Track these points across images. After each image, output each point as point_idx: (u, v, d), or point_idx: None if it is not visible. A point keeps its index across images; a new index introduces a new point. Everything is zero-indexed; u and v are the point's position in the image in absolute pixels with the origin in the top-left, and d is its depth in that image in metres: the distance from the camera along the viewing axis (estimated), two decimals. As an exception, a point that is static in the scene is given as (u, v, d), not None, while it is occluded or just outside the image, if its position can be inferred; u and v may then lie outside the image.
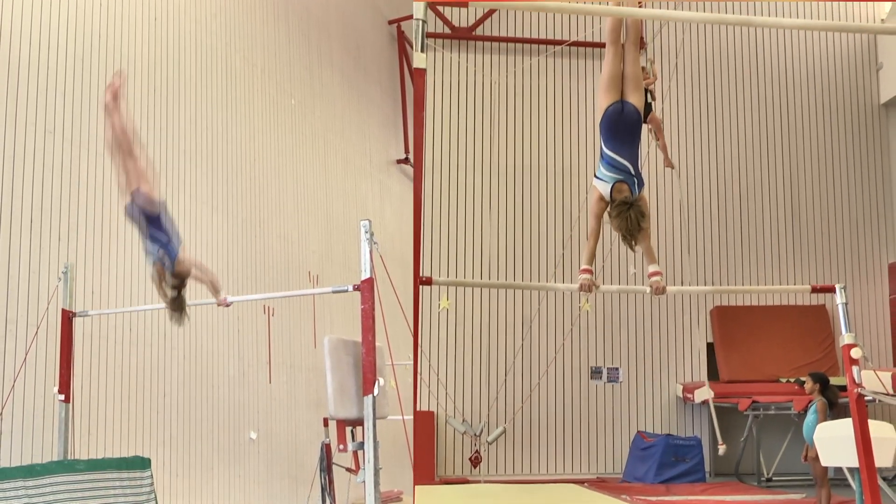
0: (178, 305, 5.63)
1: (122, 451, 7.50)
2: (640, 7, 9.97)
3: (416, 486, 3.99)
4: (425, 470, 11.96)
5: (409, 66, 15.98)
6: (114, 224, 7.88)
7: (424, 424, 12.06)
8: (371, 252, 5.05)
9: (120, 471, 6.46)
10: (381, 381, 5.11)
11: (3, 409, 6.27)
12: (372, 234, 5.08)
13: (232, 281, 9.73)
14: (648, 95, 10.33)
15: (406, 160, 15.97)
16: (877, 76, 14.20)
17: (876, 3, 13.60)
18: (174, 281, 5.52)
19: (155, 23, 8.80)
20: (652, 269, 5.55)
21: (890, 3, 13.59)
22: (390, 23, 16.13)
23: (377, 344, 5.09)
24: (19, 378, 6.46)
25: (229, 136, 10.04)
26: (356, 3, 14.62)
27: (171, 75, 9.02)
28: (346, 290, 5.26)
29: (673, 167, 10.78)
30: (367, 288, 5.02)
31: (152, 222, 5.44)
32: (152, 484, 6.73)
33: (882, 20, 14.03)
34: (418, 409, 4.19)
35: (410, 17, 15.28)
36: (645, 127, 10.22)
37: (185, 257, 5.56)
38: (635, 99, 5.19)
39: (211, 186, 9.56)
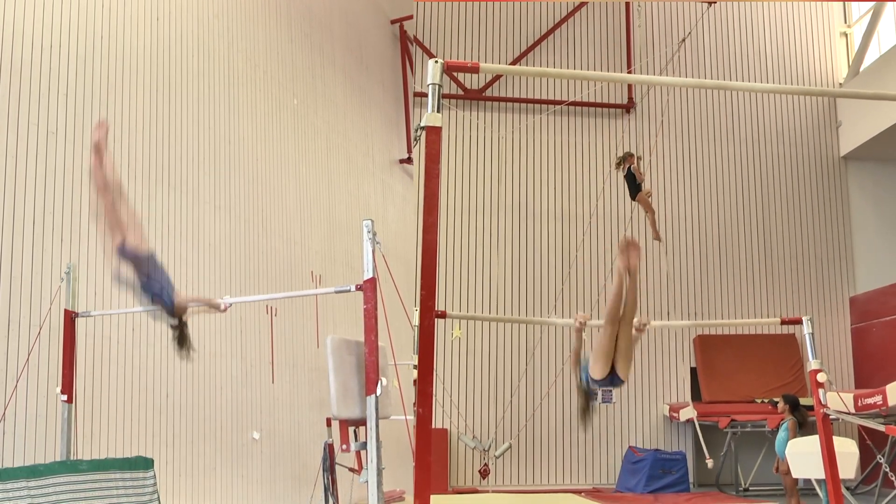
0: (182, 341, 5.79)
1: (125, 451, 7.50)
2: (649, 198, 11.05)
3: (431, 496, 4.09)
4: (439, 481, 13.02)
5: (412, 65, 15.99)
6: (116, 224, 7.88)
7: (439, 440, 13.27)
8: (374, 252, 5.03)
9: (123, 471, 6.46)
10: (384, 381, 5.10)
11: (6, 409, 6.27)
12: (374, 234, 5.06)
13: (234, 280, 9.73)
14: (637, 177, 11.11)
15: (408, 160, 15.98)
16: (837, 132, 15.95)
17: (836, 68, 15.98)
18: (173, 321, 5.62)
19: (156, 23, 8.80)
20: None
21: (847, 70, 15.91)
22: (392, 22, 16.12)
23: (380, 344, 5.08)
24: (22, 378, 6.46)
25: (231, 137, 10.03)
26: (358, 3, 14.61)
27: (173, 75, 9.02)
28: (349, 290, 5.24)
29: (660, 240, 12.27)
30: (369, 288, 5.00)
31: (143, 274, 5.39)
32: (155, 484, 6.73)
33: (840, 84, 15.99)
34: (433, 426, 4.31)
35: (412, 16, 15.48)
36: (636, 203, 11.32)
37: (180, 300, 5.60)
38: (623, 370, 5.68)
39: (213, 186, 9.56)
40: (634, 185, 10.99)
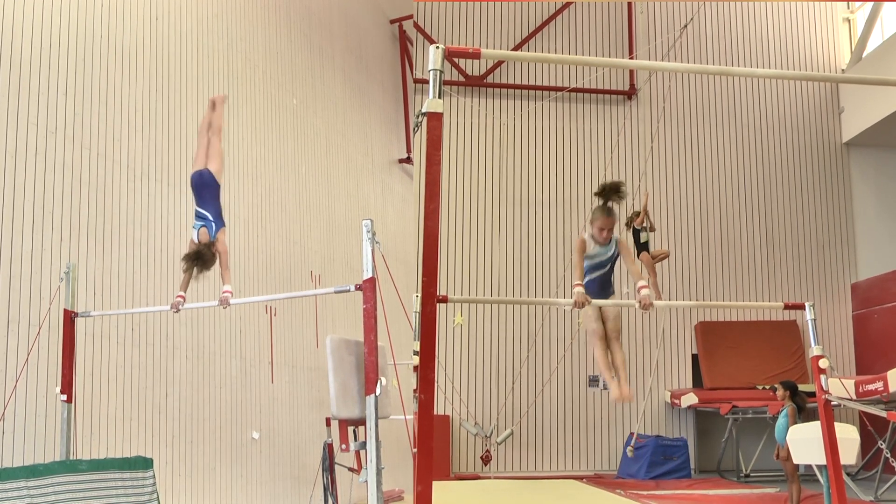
0: (199, 260, 6.11)
1: (125, 451, 7.50)
2: (646, 213, 10.76)
3: (434, 482, 4.09)
4: (441, 467, 13.09)
5: (411, 65, 15.99)
6: (115, 224, 7.88)
7: (440, 427, 13.34)
8: (373, 251, 5.03)
9: (122, 471, 6.45)
10: (384, 380, 5.09)
11: (5, 409, 6.27)
12: (374, 234, 5.06)
13: (234, 280, 9.71)
14: (643, 233, 10.93)
15: (408, 159, 15.97)
16: (839, 119, 15.91)
17: (838, 54, 15.96)
18: (204, 249, 6.12)
19: (156, 22, 8.79)
20: (640, 283, 5.68)
21: (849, 56, 15.94)
22: (392, 22, 16.13)
23: (379, 343, 5.07)
24: (21, 378, 6.46)
25: (231, 137, 10.02)
26: (358, 3, 14.61)
27: (172, 75, 9.01)
28: (349, 290, 5.24)
29: (652, 307, 11.92)
30: (369, 288, 5.00)
31: (206, 198, 6.25)
32: (154, 484, 6.72)
33: (843, 70, 15.86)
34: (435, 413, 4.30)
35: (411, 16, 15.48)
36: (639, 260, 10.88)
37: (221, 239, 6.24)
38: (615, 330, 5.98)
39: (213, 186, 9.53)
40: (639, 243, 10.84)
